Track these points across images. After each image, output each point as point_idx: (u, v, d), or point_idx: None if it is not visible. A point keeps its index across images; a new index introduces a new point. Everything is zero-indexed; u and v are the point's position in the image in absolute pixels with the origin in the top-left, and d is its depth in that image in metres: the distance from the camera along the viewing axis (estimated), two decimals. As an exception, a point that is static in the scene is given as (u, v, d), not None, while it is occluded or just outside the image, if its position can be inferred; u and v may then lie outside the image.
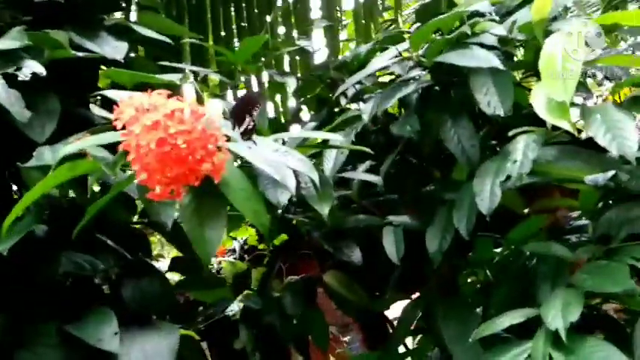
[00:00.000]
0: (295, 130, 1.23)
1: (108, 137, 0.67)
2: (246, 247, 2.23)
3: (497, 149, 1.01)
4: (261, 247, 2.00)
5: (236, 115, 0.73)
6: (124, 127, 0.63)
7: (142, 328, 0.98)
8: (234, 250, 2.31)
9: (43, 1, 1.23)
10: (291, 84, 1.15)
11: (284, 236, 1.42)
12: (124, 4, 1.47)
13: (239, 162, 0.82)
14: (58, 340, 0.92)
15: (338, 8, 2.04)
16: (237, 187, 0.69)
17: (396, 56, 1.01)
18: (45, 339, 0.92)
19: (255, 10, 2.00)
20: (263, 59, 1.33)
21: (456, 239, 0.94)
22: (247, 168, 0.86)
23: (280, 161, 0.73)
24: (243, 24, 1.98)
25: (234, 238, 2.29)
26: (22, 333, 0.92)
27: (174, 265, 1.30)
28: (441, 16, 0.94)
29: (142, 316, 1.04)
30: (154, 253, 2.12)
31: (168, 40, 1.23)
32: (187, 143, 0.62)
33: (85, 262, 1.04)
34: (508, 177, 0.84)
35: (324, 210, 0.86)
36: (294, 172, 0.75)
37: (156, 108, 0.63)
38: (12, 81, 0.98)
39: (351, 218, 1.09)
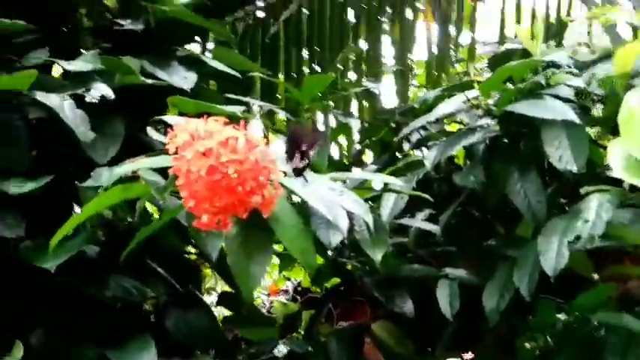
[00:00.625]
0: (356, 172, 1.21)
1: (160, 161, 0.66)
2: (299, 288, 2.21)
3: (566, 209, 0.96)
4: (314, 290, 1.97)
5: (290, 150, 0.71)
6: (176, 152, 0.62)
7: (183, 360, 0.97)
8: (286, 291, 2.29)
9: (121, 29, 1.27)
10: (355, 125, 1.13)
11: (337, 280, 1.39)
12: (199, 38, 1.50)
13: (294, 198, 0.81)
14: (97, 364, 0.91)
15: (410, 57, 2.03)
16: (287, 224, 0.67)
17: (464, 103, 0.98)
18: (83, 362, 0.91)
19: (327, 54, 2.02)
20: (329, 98, 1.31)
21: (515, 299, 0.89)
22: (301, 206, 0.84)
23: (334, 200, 0.70)
24: (315, 66, 1.99)
25: (288, 279, 2.27)
26: (62, 353, 0.92)
27: (222, 300, 1.28)
28: (513, 63, 0.91)
29: (186, 348, 1.03)
30: (207, 285, 2.12)
31: (237, 74, 1.24)
32: (238, 173, 0.60)
33: (132, 288, 1.03)
34: (577, 237, 0.79)
35: (377, 256, 0.82)
36: (349, 213, 0.73)
37: (211, 135, 0.62)
38: (81, 102, 1.00)
39: (405, 267, 1.04)
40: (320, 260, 1.54)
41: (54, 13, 1.26)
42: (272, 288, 2.35)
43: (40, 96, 0.92)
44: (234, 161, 0.60)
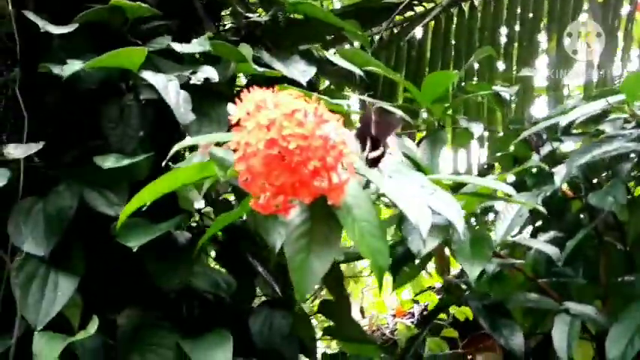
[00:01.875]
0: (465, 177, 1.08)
1: (223, 136, 0.61)
2: (425, 312, 2.11)
3: None
4: (441, 316, 1.86)
5: (363, 136, 0.62)
6: (238, 123, 0.56)
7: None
8: (413, 314, 2.20)
9: (250, 22, 1.27)
10: (476, 131, 1.01)
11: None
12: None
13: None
14: (174, 353, 0.87)
15: (566, 79, 1.86)
16: (359, 217, 0.57)
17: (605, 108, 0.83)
18: (161, 350, 0.88)
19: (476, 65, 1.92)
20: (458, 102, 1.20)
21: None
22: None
23: (421, 199, 0.60)
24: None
25: (416, 302, 2.18)
26: (143, 336, 0.90)
27: (323, 308, 1.22)
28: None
29: (268, 351, 0.97)
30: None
31: (360, 71, 1.18)
32: (301, 150, 0.53)
33: (223, 282, 1.00)
34: None
35: (473, 271, 0.71)
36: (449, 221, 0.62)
37: (277, 106, 0.55)
38: (189, 85, 0.99)
39: (518, 295, 0.90)
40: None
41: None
42: (398, 309, 2.28)
43: (147, 75, 0.92)
44: (297, 135, 0.53)
